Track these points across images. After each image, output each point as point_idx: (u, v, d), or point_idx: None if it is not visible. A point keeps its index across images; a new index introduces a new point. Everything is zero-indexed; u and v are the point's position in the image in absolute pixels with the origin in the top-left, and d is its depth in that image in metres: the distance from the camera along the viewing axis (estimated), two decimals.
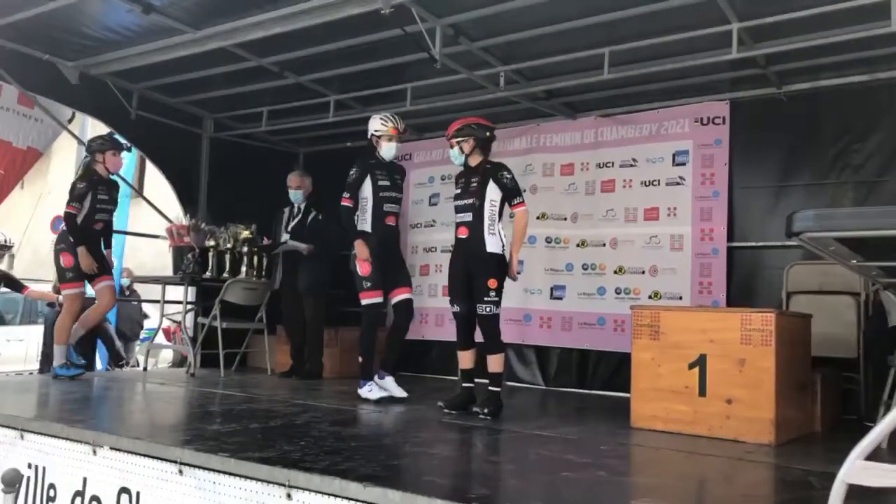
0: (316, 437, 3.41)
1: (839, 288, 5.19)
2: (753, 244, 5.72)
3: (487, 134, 4.53)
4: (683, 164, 6.02)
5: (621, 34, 5.00)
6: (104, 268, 5.74)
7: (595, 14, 4.80)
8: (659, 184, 6.13)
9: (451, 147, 4.55)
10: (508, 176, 4.44)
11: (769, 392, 3.76)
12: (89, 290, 5.73)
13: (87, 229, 5.61)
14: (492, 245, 4.37)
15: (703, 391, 3.96)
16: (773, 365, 3.76)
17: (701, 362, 3.97)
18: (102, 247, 5.80)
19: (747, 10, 4.55)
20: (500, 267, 4.38)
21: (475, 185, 4.42)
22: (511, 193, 4.44)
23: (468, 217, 4.42)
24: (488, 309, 4.30)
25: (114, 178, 5.87)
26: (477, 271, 4.35)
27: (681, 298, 5.90)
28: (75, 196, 5.55)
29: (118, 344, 7.79)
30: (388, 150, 5.02)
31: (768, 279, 5.65)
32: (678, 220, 6.00)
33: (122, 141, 5.94)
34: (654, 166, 6.15)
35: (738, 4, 4.51)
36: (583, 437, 3.81)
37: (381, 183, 4.96)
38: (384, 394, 4.79)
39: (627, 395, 5.65)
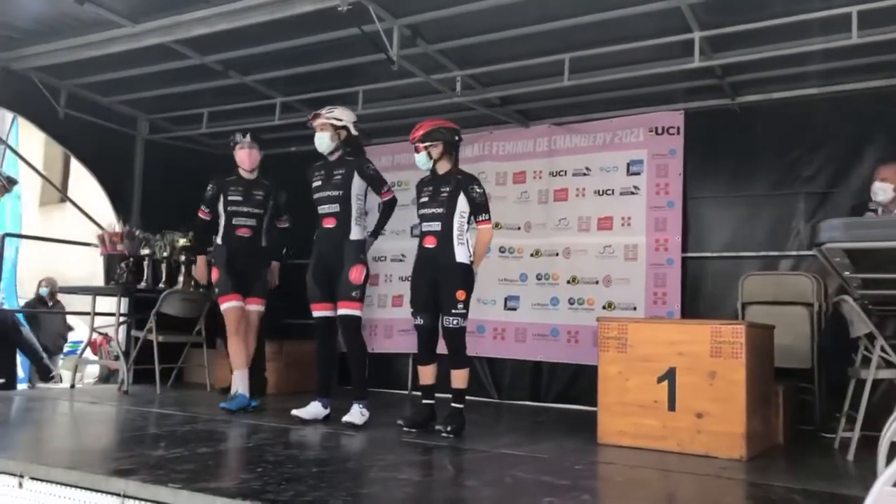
0: (273, 462, 3.15)
1: (792, 298, 5.23)
2: (708, 254, 5.72)
3: (456, 138, 4.34)
4: (638, 173, 5.99)
5: (581, 41, 4.93)
6: (255, 288, 5.04)
7: (556, 20, 4.70)
8: (613, 193, 6.07)
9: (418, 152, 4.30)
10: (479, 191, 4.25)
11: (740, 406, 3.69)
12: None
13: (230, 237, 4.99)
14: (461, 255, 4.18)
15: (672, 405, 3.86)
16: (744, 378, 3.70)
17: (670, 376, 3.87)
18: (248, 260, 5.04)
19: (709, 19, 4.53)
20: (469, 278, 4.20)
21: (444, 194, 4.22)
22: (478, 210, 4.24)
23: (436, 227, 4.22)
24: (455, 322, 4.11)
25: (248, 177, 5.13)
26: (445, 282, 4.16)
27: (635, 309, 5.84)
28: (203, 199, 5.09)
29: (45, 356, 7.23)
30: (320, 140, 4.56)
31: (722, 289, 5.65)
32: (632, 229, 5.96)
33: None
34: (608, 175, 6.10)
35: (701, 13, 4.48)
36: (553, 456, 3.64)
37: (314, 184, 4.60)
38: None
39: (583, 407, 5.64)
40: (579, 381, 5.97)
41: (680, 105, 5.84)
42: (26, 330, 6.97)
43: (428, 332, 4.28)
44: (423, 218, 4.31)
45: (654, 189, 5.91)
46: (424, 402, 4.32)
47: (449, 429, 4.05)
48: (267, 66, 5.66)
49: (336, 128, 4.52)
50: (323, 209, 4.53)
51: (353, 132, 4.60)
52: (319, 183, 4.55)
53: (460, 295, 4.11)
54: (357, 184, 4.51)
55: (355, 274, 4.39)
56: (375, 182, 4.58)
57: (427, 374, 4.33)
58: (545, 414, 5.63)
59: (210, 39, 5.02)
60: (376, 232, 4.74)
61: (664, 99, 5.80)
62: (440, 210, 4.21)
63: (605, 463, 3.60)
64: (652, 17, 4.54)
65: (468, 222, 4.27)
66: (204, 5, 4.64)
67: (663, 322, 4.81)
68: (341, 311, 4.42)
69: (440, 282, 4.18)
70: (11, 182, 5.86)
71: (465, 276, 4.19)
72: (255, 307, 5.07)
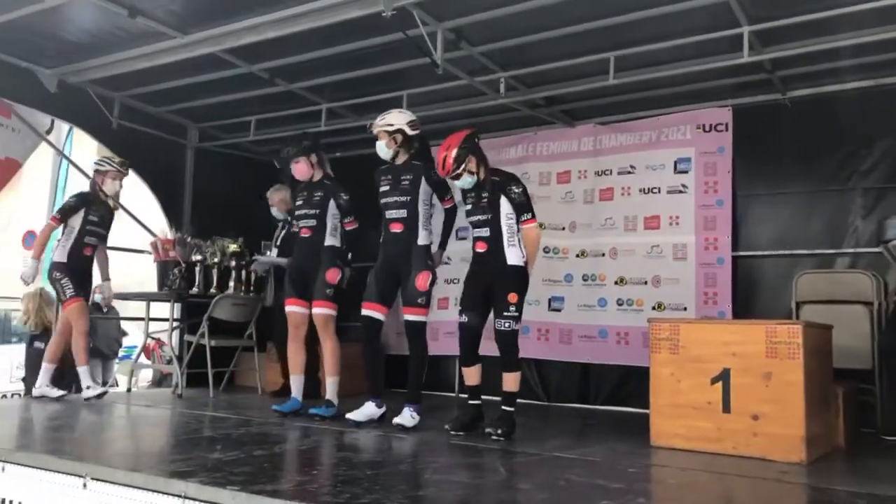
0: (327, 464, 3.19)
1: (850, 297, 5.07)
2: (760, 253, 5.60)
3: (476, 140, 4.30)
4: (686, 171, 5.90)
5: (626, 39, 4.88)
6: (314, 291, 4.85)
7: (600, 18, 4.66)
8: (659, 192, 6.00)
9: (459, 178, 4.23)
10: (517, 190, 4.21)
11: (798, 407, 3.60)
12: None
13: (297, 240, 5.00)
14: (513, 257, 4.16)
15: (727, 407, 3.79)
16: (801, 379, 3.61)
17: (724, 377, 3.80)
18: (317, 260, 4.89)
19: (758, 13, 4.44)
20: (522, 280, 4.17)
21: (486, 200, 4.20)
22: (519, 209, 4.21)
23: (485, 232, 4.21)
24: (507, 324, 4.08)
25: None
26: (497, 285, 4.14)
27: (685, 309, 5.75)
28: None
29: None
30: (379, 148, 4.59)
31: (774, 288, 5.53)
32: (681, 228, 5.87)
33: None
34: (655, 174, 6.02)
35: (749, 7, 4.40)
36: (605, 459, 3.61)
37: (381, 188, 4.60)
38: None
39: (634, 409, 5.57)
40: (629, 383, 5.90)
41: (728, 101, 5.74)
42: None
43: (470, 332, 4.23)
44: (472, 224, 4.32)
45: (703, 187, 5.82)
46: (471, 403, 4.31)
47: (499, 431, 4.03)
48: (312, 72, 5.73)
49: (390, 133, 4.50)
50: (390, 214, 4.51)
51: (410, 132, 4.52)
52: (387, 188, 4.53)
53: (512, 298, 4.07)
54: (424, 189, 4.48)
55: (422, 281, 4.38)
56: (440, 188, 4.53)
57: (472, 376, 4.31)
58: (595, 416, 5.58)
59: (257, 48, 5.11)
60: (444, 243, 4.72)
61: (711, 95, 5.70)
62: (485, 216, 4.21)
63: (658, 466, 3.55)
64: (698, 12, 4.48)
65: (516, 223, 4.24)
66: (251, 14, 4.72)
67: (716, 322, 4.74)
68: (407, 317, 4.43)
69: (493, 285, 4.17)
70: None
71: (518, 278, 4.16)
72: (315, 310, 4.87)
